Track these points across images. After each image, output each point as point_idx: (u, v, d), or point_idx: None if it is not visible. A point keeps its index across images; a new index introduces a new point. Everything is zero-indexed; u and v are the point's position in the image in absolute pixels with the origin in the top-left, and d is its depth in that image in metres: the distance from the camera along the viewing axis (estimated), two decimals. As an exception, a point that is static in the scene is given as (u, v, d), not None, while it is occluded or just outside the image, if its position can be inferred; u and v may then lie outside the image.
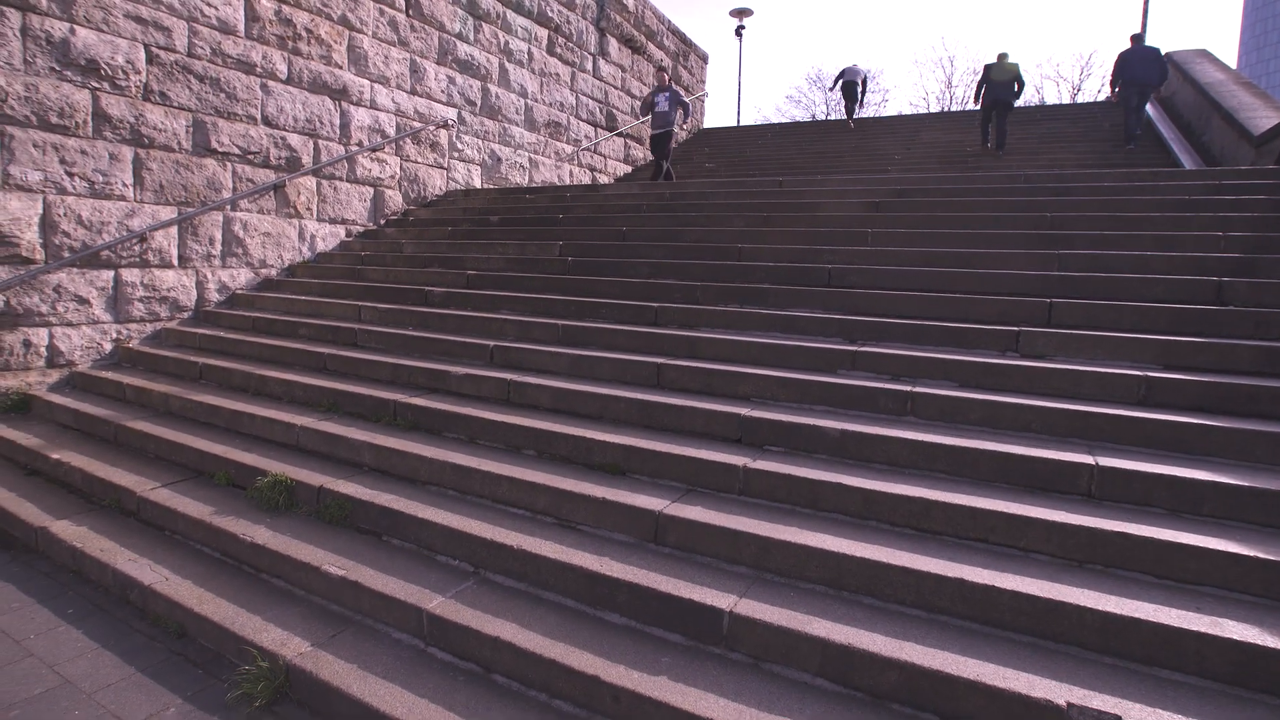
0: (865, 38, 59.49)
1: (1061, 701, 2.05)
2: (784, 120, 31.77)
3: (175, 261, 6.58)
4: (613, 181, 12.98)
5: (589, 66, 12.62)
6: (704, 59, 18.00)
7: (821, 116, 33.46)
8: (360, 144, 8.31)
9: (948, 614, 2.53)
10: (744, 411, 3.74)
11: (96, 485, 4.23)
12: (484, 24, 10.09)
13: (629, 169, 14.18)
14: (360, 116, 8.28)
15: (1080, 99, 31.04)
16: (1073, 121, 12.41)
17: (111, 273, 6.11)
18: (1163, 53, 10.14)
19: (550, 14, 11.41)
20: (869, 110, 34.52)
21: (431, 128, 9.31)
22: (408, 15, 8.83)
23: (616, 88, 13.60)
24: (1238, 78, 9.83)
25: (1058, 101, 30.85)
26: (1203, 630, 2.19)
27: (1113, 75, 10.18)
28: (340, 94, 8.00)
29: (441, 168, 9.63)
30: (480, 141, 10.24)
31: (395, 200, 8.96)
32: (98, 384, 5.68)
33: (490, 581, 3.07)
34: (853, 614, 2.56)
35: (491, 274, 6.43)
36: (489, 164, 10.46)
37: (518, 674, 2.60)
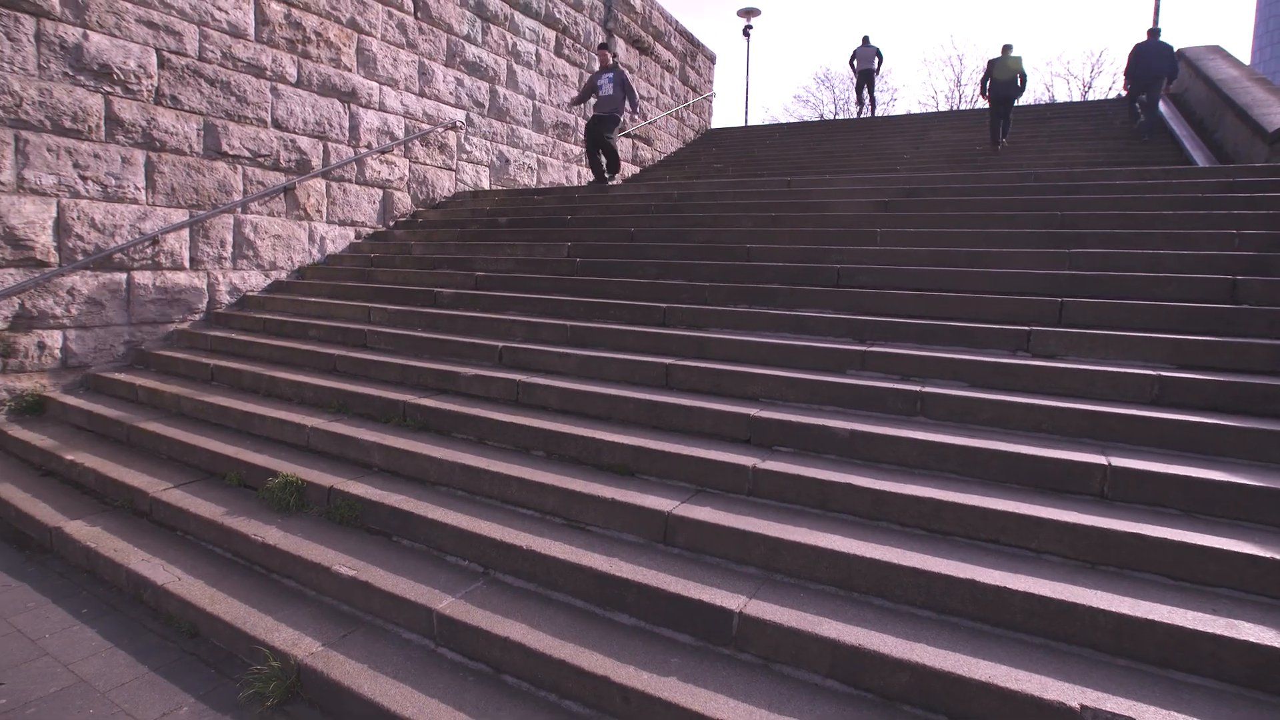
0: (873, 36, 59.46)
1: (1075, 704, 2.03)
2: (792, 120, 31.70)
3: (187, 264, 6.63)
4: (621, 182, 12.97)
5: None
6: (711, 59, 17.98)
7: (830, 116, 33.36)
8: (369, 146, 8.35)
9: (959, 615, 2.51)
10: (753, 412, 3.73)
11: (110, 486, 4.27)
12: (492, 26, 10.12)
13: (637, 169, 14.18)
14: (369, 119, 8.31)
15: (1091, 96, 30.84)
16: (1083, 119, 12.33)
17: (124, 275, 6.17)
18: (1174, 48, 10.15)
19: (558, 15, 11.43)
20: (878, 109, 34.45)
21: (440, 130, 9.35)
22: (416, 18, 8.87)
23: (624, 88, 13.59)
24: (1251, 74, 9.74)
25: (1068, 99, 30.63)
26: (1218, 632, 2.17)
27: (1126, 68, 10.20)
28: (349, 96, 8.04)
29: (450, 169, 9.66)
30: (488, 143, 10.27)
31: (404, 202, 8.99)
32: (111, 385, 5.73)
33: (500, 582, 3.07)
34: (863, 615, 2.55)
35: (500, 275, 6.44)
36: (497, 165, 10.49)
37: (527, 674, 2.60)
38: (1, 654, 2.94)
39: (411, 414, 4.42)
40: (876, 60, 15.63)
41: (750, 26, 20.76)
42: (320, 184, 7.82)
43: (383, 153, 8.55)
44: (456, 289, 6.32)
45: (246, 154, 7.00)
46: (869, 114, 16.51)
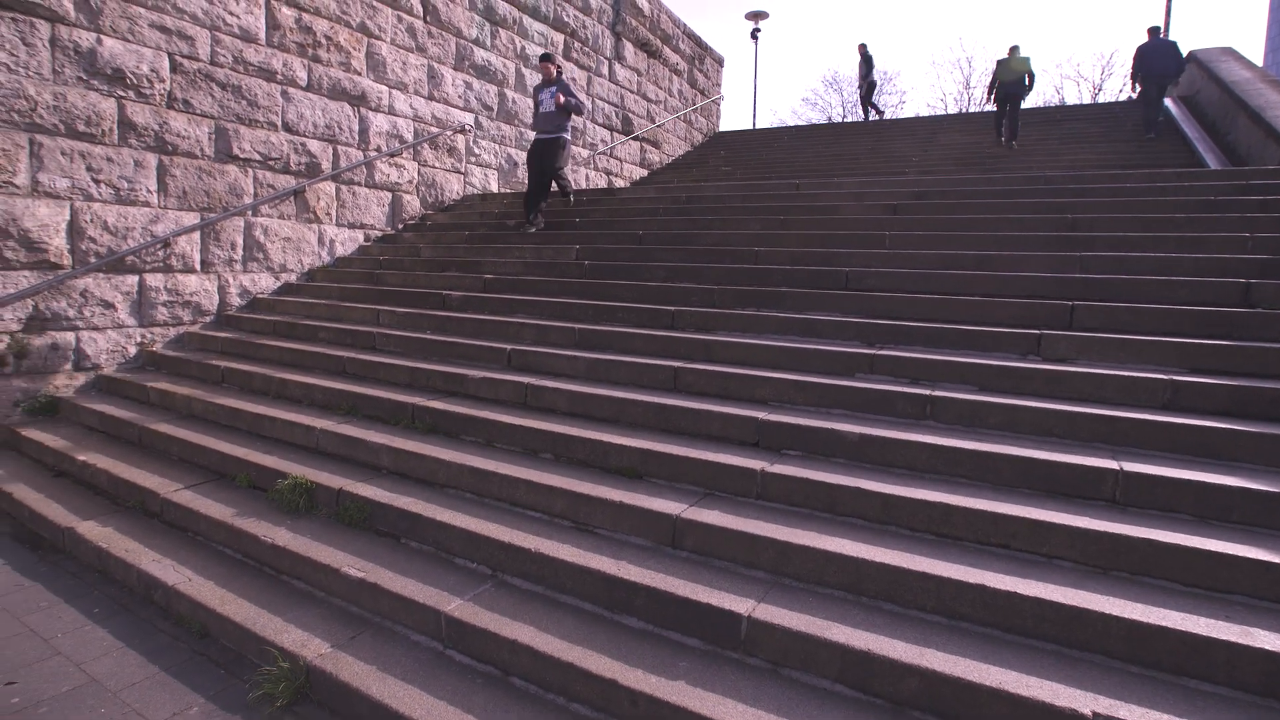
0: (881, 39, 59.19)
1: (1087, 711, 2.02)
2: (800, 123, 31.70)
3: (198, 266, 6.68)
4: (629, 185, 13.00)
5: (605, 71, 12.66)
6: (720, 62, 17.99)
7: (838, 119, 33.33)
8: (379, 150, 8.39)
9: (969, 620, 2.50)
10: (761, 415, 3.73)
11: (121, 487, 4.30)
12: (500, 29, 10.16)
13: (645, 172, 14.20)
14: (379, 122, 8.36)
15: (1101, 99, 30.68)
16: (1094, 121, 12.26)
17: (136, 278, 6.21)
18: (1182, 49, 10.20)
19: (566, 19, 11.47)
20: (887, 112, 34.41)
21: (449, 133, 9.39)
22: (425, 22, 8.91)
23: (633, 92, 13.63)
24: (1264, 75, 9.67)
25: (1078, 101, 30.50)
26: (1233, 639, 2.15)
27: (1132, 68, 10.24)
28: (359, 100, 8.08)
29: (459, 172, 9.70)
30: (497, 146, 10.30)
31: (413, 205, 9.03)
32: (122, 387, 5.77)
33: (508, 584, 3.08)
34: (872, 620, 2.54)
35: (508, 278, 6.46)
36: (506, 168, 10.52)
37: (536, 677, 2.60)
38: (14, 653, 2.97)
39: (420, 416, 4.43)
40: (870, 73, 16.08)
41: (758, 29, 20.76)
42: (330, 187, 7.87)
43: (392, 156, 8.59)
44: (465, 291, 6.34)
45: (257, 157, 7.05)
46: (872, 116, 16.77)
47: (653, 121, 14.40)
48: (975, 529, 2.82)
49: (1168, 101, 11.38)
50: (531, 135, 11.09)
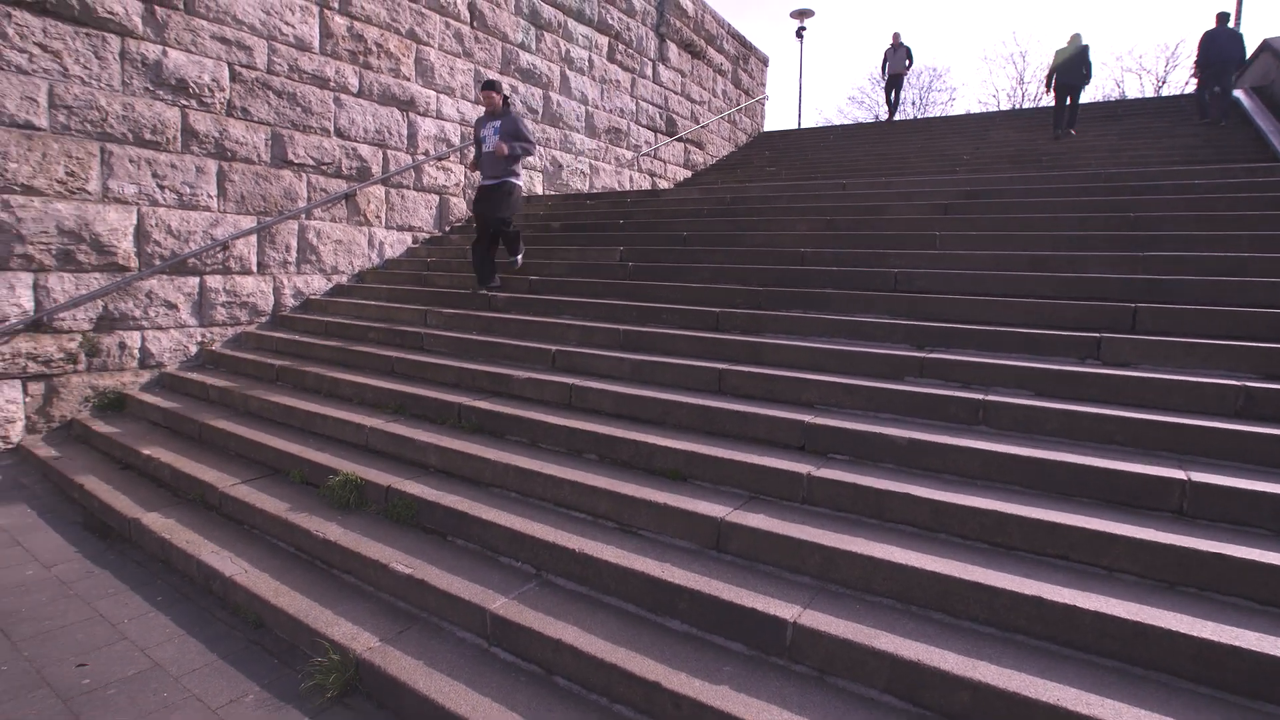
0: (931, 34, 57.86)
1: (1152, 731, 1.93)
2: (846, 122, 31.22)
3: (254, 268, 6.91)
4: (673, 186, 12.99)
5: (649, 72, 12.68)
6: (764, 62, 17.85)
7: (884, 117, 32.73)
8: (427, 153, 8.56)
9: (1024, 633, 2.42)
10: (807, 418, 3.68)
11: (183, 480, 4.47)
12: (546, 33, 10.26)
13: (689, 174, 14.17)
14: (427, 126, 8.52)
15: (1165, 92, 29.47)
16: (1157, 115, 11.78)
17: (197, 279, 6.46)
18: (1243, 36, 9.86)
19: (610, 21, 11.52)
20: (935, 109, 33.59)
21: (495, 136, 9.50)
22: (472, 27, 9.05)
23: (676, 93, 13.62)
24: (1345, 66, 9.15)
25: (1140, 95, 29.35)
26: (1312, 662, 2.03)
27: (1197, 55, 9.89)
28: (408, 105, 8.25)
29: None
30: (541, 149, 10.40)
31: (460, 207, 9.18)
32: (184, 384, 6.00)
33: (552, 584, 3.09)
34: (922, 629, 2.48)
35: (553, 279, 6.51)
36: (550, 171, 10.61)
37: (579, 677, 2.61)
38: (86, 637, 3.11)
39: (466, 416, 4.50)
40: (906, 62, 15.25)
41: (804, 28, 20.52)
42: (380, 190, 8.05)
43: (439, 159, 8.75)
44: (510, 293, 6.41)
45: (311, 162, 7.25)
46: (895, 117, 16.11)
47: (697, 122, 14.36)
48: (1031, 539, 2.73)
49: (1238, 93, 10.87)
50: (576, 138, 11.25)
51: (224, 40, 6.44)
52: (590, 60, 11.16)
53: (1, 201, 5.18)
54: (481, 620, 2.88)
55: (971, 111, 26.66)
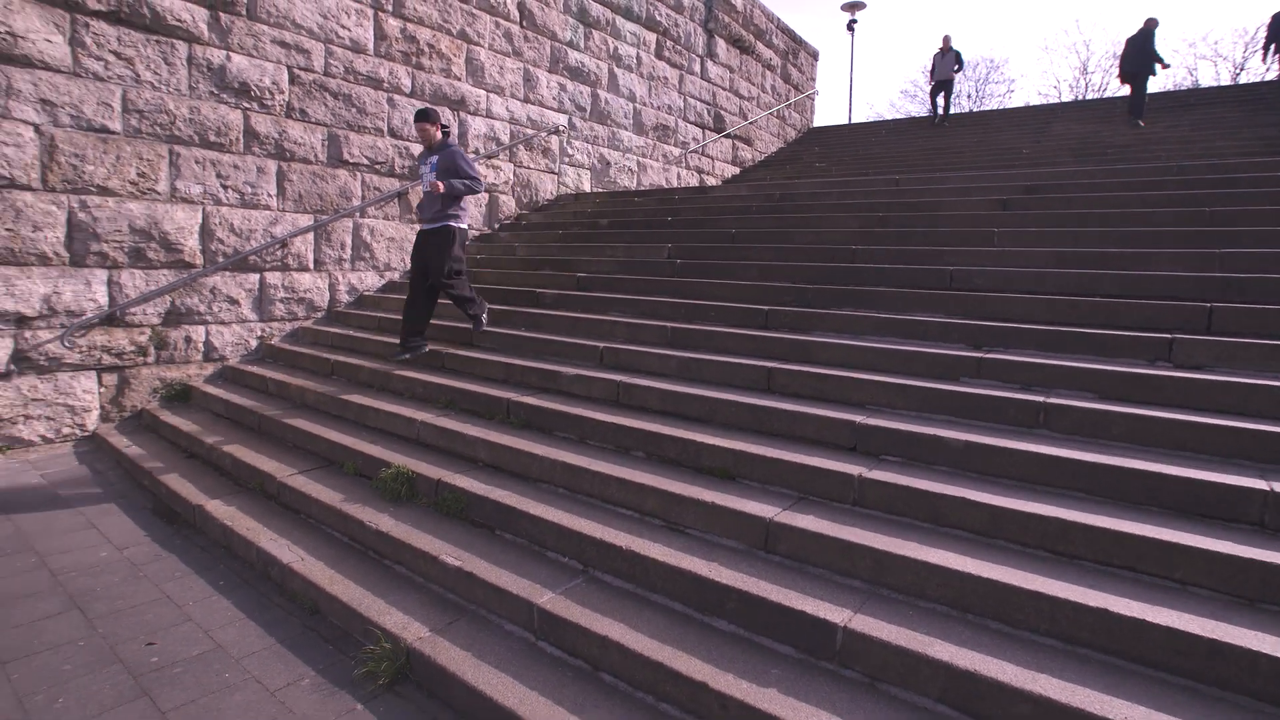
0: (987, 24, 56.08)
1: (1229, 755, 1.83)
2: (899, 116, 30.51)
3: (311, 265, 7.11)
4: (720, 183, 12.90)
5: (696, 69, 12.61)
6: (814, 56, 17.58)
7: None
8: (477, 151, 8.68)
9: (1088, 646, 2.32)
10: (859, 419, 3.60)
11: (243, 470, 4.63)
12: (594, 31, 10.29)
13: (737, 170, 14.06)
14: (477, 125, 8.64)
15: (1243, 79, 27.96)
16: (1233, 104, 11.19)
17: (257, 276, 6.68)
18: None
19: (658, 18, 11.49)
20: (992, 102, 32.59)
21: (543, 134, 9.59)
22: (522, 26, 9.14)
23: (725, 89, 13.52)
24: None
25: (1215, 83, 27.91)
26: None
27: (1267, 36, 9.40)
28: (458, 104, 8.38)
29: (552, 173, 9.90)
30: (589, 146, 10.45)
31: (508, 205, 9.29)
32: (244, 377, 6.22)
33: (599, 580, 3.10)
34: (979, 638, 2.40)
35: (601, 276, 6.53)
36: (598, 168, 10.65)
37: (625, 674, 2.61)
38: (154, 617, 3.24)
39: (515, 411, 4.54)
40: (956, 67, 14.23)
41: (855, 20, 20.14)
42: (432, 189, 8.19)
43: (489, 157, 8.86)
44: (558, 290, 6.46)
45: (365, 162, 7.43)
46: (942, 123, 14.83)
47: (745, 118, 14.23)
48: (1096, 548, 2.62)
49: None
50: (624, 136, 11.26)
51: (283, 44, 6.64)
52: (638, 57, 11.16)
53: (79, 201, 5.45)
54: (529, 614, 2.91)
55: (1030, 103, 25.76)
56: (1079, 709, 2.02)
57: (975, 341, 4.29)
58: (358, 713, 2.62)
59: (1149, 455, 3.04)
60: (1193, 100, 12.34)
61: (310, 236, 7.05)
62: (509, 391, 4.78)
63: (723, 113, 13.51)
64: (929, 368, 4.06)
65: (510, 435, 4.24)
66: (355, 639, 3.08)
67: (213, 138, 6.18)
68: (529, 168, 9.51)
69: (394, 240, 7.85)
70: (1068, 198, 6.00)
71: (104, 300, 5.67)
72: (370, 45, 7.39)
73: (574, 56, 9.98)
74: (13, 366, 5.25)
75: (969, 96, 32.57)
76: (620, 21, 10.75)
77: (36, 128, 5.21)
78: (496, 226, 9.08)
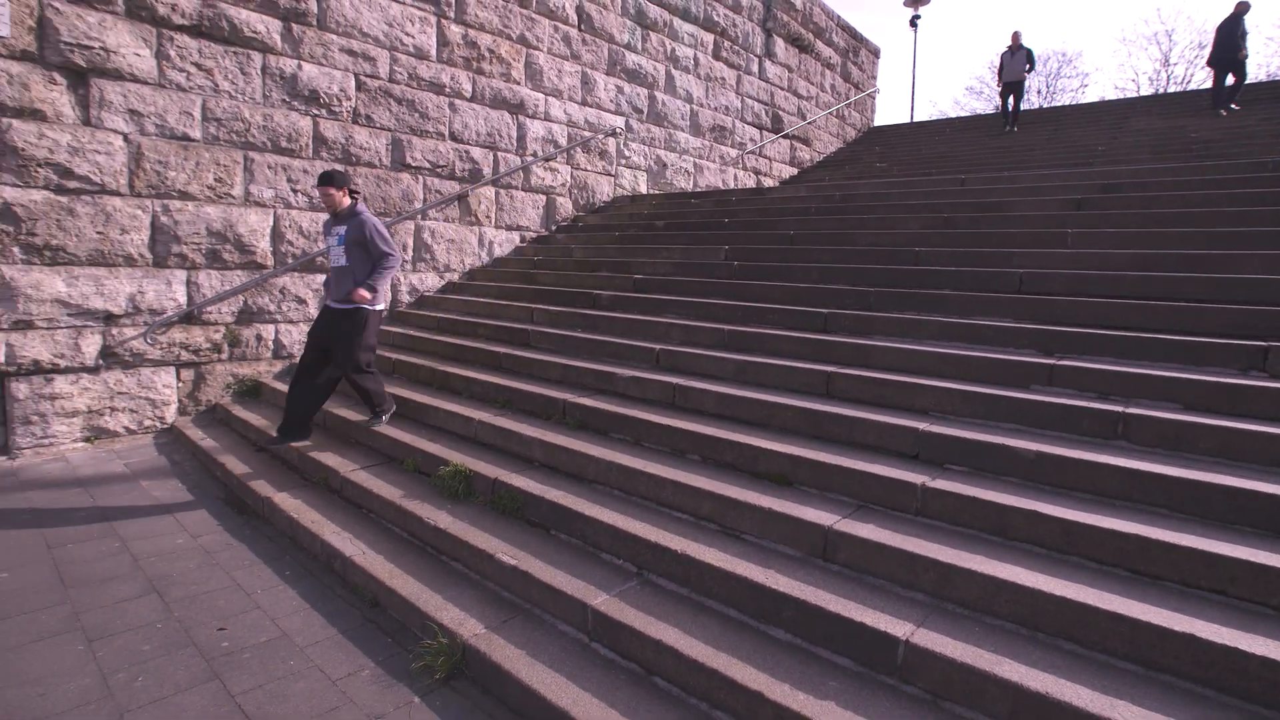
0: (1059, 16, 53.84)
1: (1335, 798, 1.69)
2: (963, 114, 29.56)
3: (376, 266, 7.31)
4: (778, 184, 12.75)
5: (754, 69, 12.50)
6: (875, 54, 17.21)
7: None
8: (534, 154, 8.79)
9: (1172, 674, 2.18)
10: (922, 426, 3.49)
11: (309, 464, 4.78)
12: (651, 33, 10.30)
13: (795, 171, 13.86)
14: (535, 128, 8.75)
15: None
16: (1333, 98, 10.46)
17: (323, 277, 6.90)
18: None
19: (716, 18, 11.43)
20: (1064, 97, 31.29)
21: (600, 136, 9.65)
22: (580, 30, 9.21)
23: (783, 89, 13.36)
24: None
25: (1309, 76, 26.13)
26: None
27: None
28: (517, 108, 8.50)
29: (609, 175, 9.95)
30: (646, 148, 10.46)
31: (565, 207, 9.37)
32: (312, 374, 6.43)
33: (653, 584, 3.08)
34: (1050, 659, 2.29)
35: (657, 278, 6.52)
36: (654, 170, 10.66)
37: (679, 679, 2.58)
38: (225, 603, 3.38)
39: (571, 412, 4.57)
40: (1026, 67, 12.87)
41: (918, 16, 19.63)
42: (490, 191, 8.34)
43: (547, 160, 8.96)
44: (615, 291, 6.47)
45: (426, 165, 7.60)
46: (1013, 129, 13.21)
47: (803, 118, 14.03)
48: (1181, 569, 2.46)
49: None
50: (680, 137, 11.24)
51: (351, 52, 6.85)
52: (695, 58, 11.12)
53: (162, 206, 5.73)
54: (583, 615, 2.91)
55: (1106, 98, 24.64)
56: (1163, 739, 1.90)
57: (1046, 347, 4.11)
58: (415, 706, 2.67)
59: (1240, 471, 2.85)
60: (1288, 92, 11.58)
61: (374, 238, 7.24)
62: (565, 392, 4.81)
63: (780, 113, 13.34)
64: (996, 374, 3.91)
65: (566, 436, 4.26)
66: (413, 633, 3.14)
67: (284, 144, 6.43)
68: (586, 170, 9.58)
69: (454, 242, 8.02)
70: (1148, 196, 5.70)
71: (183, 299, 5.95)
72: (433, 51, 7.56)
73: (631, 59, 10.01)
74: (101, 361, 5.56)
75: (1039, 92, 31.36)
76: (678, 23, 10.74)
77: (125, 136, 5.51)
78: (554, 228, 9.18)
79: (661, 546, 3.11)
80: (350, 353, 4.60)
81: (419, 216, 7.62)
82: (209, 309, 6.12)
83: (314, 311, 6.87)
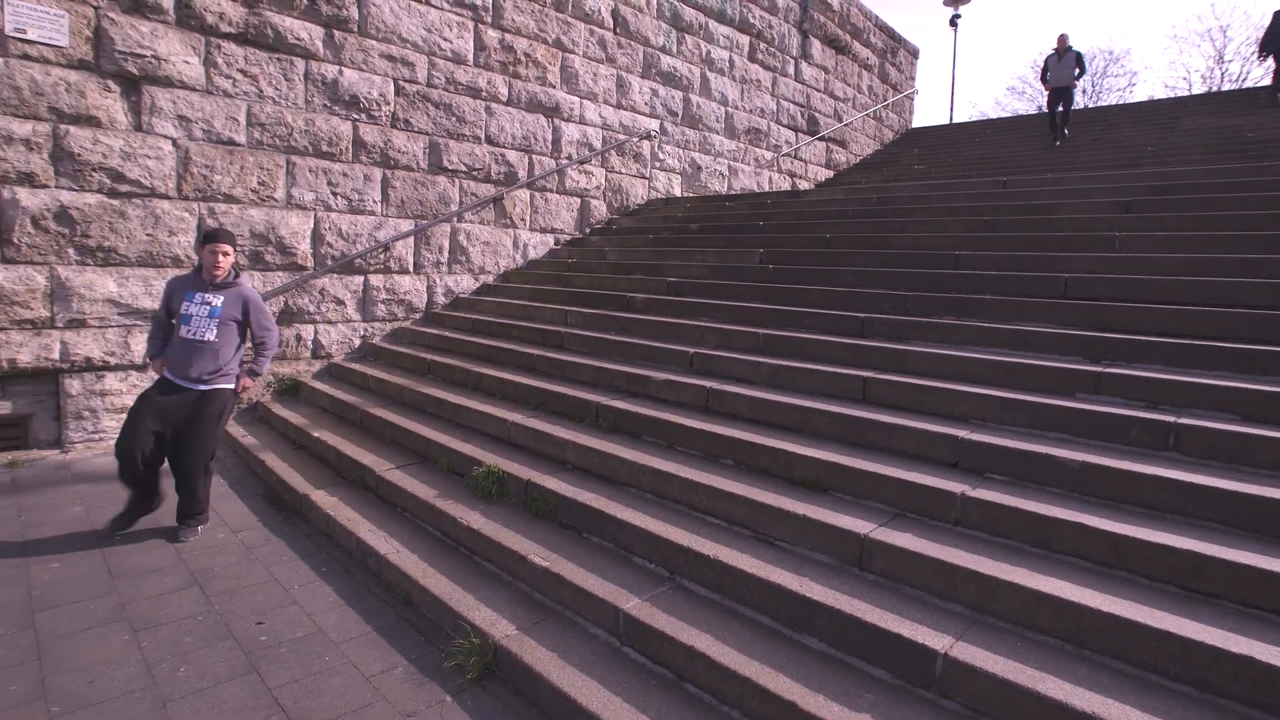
0: (1106, 12, 52.36)
1: None
2: (1005, 115, 28.95)
3: (411, 268, 7.42)
4: (814, 187, 12.62)
5: (790, 70, 12.40)
6: (914, 54, 16.96)
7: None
8: (569, 157, 8.83)
9: (1228, 697, 2.09)
10: (961, 434, 3.40)
11: (345, 462, 4.86)
12: (686, 35, 10.28)
13: (831, 173, 13.71)
14: (570, 131, 8.79)
15: None
16: (1401, 96, 9.99)
17: (361, 278, 7.03)
18: None
19: (752, 20, 11.37)
20: (1111, 97, 30.45)
21: (635, 139, 9.66)
22: (615, 33, 9.24)
23: (819, 90, 13.23)
24: None
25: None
26: None
27: None
28: (553, 111, 8.55)
29: (643, 177, 9.95)
30: (681, 151, 10.44)
31: (600, 210, 9.40)
32: (348, 374, 6.55)
33: (685, 589, 3.06)
34: (1097, 678, 2.21)
35: (691, 281, 6.50)
36: (689, 173, 10.63)
37: (710, 687, 2.55)
38: (264, 598, 3.44)
39: (604, 415, 4.57)
40: (1075, 71, 11.51)
41: (958, 16, 19.27)
42: (525, 194, 8.40)
43: (581, 163, 9.00)
44: (649, 294, 6.47)
45: (463, 168, 7.69)
46: (1060, 141, 11.85)
47: (840, 120, 13.88)
48: (1237, 587, 2.36)
49: None
50: (715, 140, 11.20)
51: (390, 58, 6.97)
52: (730, 60, 11.08)
53: (208, 209, 5.89)
54: (614, 619, 2.90)
55: (1155, 97, 23.90)
56: (1219, 766, 1.82)
57: (1093, 354, 3.99)
58: (447, 704, 2.69)
59: (1302, 485, 2.72)
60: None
61: (410, 241, 7.36)
62: (598, 395, 4.81)
63: (816, 115, 13.21)
64: (1040, 381, 3.80)
65: (599, 438, 4.26)
66: (445, 632, 3.16)
67: (325, 148, 6.56)
68: (620, 173, 9.60)
69: (488, 244, 8.10)
70: (1202, 198, 5.50)
71: (227, 299, 6.10)
72: (470, 56, 7.65)
73: (666, 61, 10.01)
74: (149, 360, 5.72)
75: (1084, 92, 30.56)
76: (713, 25, 10.70)
77: (174, 141, 5.67)
78: (588, 231, 9.21)
79: (694, 551, 3.08)
80: (206, 443, 4.05)
81: (455, 219, 7.71)
82: (252, 309, 6.26)
83: (352, 313, 7.00)
